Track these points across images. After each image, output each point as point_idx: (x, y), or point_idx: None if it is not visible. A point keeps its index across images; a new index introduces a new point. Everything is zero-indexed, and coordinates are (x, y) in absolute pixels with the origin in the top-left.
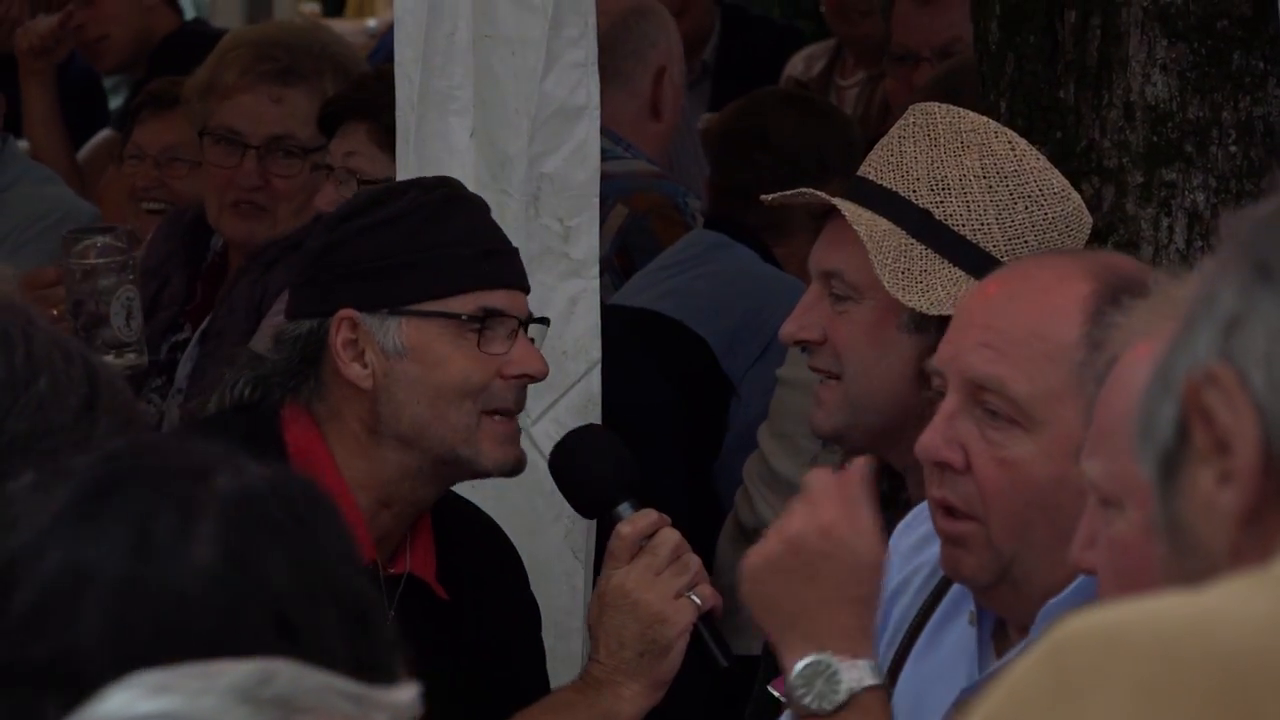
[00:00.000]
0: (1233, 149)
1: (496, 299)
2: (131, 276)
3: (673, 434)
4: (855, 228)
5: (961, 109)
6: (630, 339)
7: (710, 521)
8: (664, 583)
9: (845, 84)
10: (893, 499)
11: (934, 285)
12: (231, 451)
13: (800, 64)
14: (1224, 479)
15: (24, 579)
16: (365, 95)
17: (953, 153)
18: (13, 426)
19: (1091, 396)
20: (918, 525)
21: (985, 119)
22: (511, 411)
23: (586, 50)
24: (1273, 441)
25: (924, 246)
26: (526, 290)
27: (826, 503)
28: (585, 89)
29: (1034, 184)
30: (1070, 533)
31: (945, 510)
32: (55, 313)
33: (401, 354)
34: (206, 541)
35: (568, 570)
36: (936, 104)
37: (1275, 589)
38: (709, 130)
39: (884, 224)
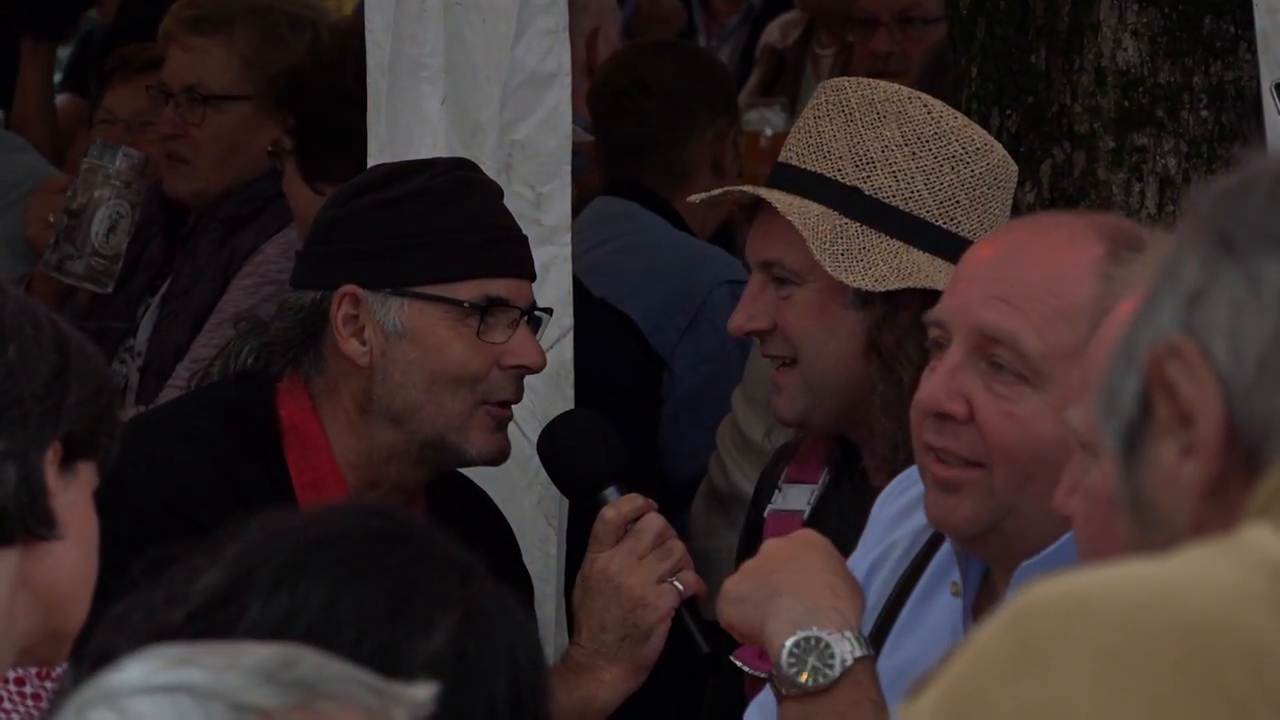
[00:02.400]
0: (1204, 114)
1: (500, 287)
2: (133, 200)
3: (647, 401)
4: (788, 217)
5: (872, 80)
6: (606, 312)
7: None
8: (647, 567)
9: (822, 53)
10: (848, 467)
11: (875, 261)
12: (485, 565)
13: (776, 32)
14: (1186, 452)
15: (267, 594)
16: (311, 66)
17: (870, 125)
18: None
19: None
20: (898, 495)
21: (897, 86)
22: (507, 401)
23: (557, 17)
24: (1235, 414)
25: (858, 224)
26: (532, 278)
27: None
28: (556, 56)
29: (956, 143)
30: None
31: (941, 457)
32: (51, 219)
33: (401, 335)
34: (446, 633)
35: (541, 536)
36: (845, 79)
37: (1240, 556)
38: (590, 91)
39: (815, 208)
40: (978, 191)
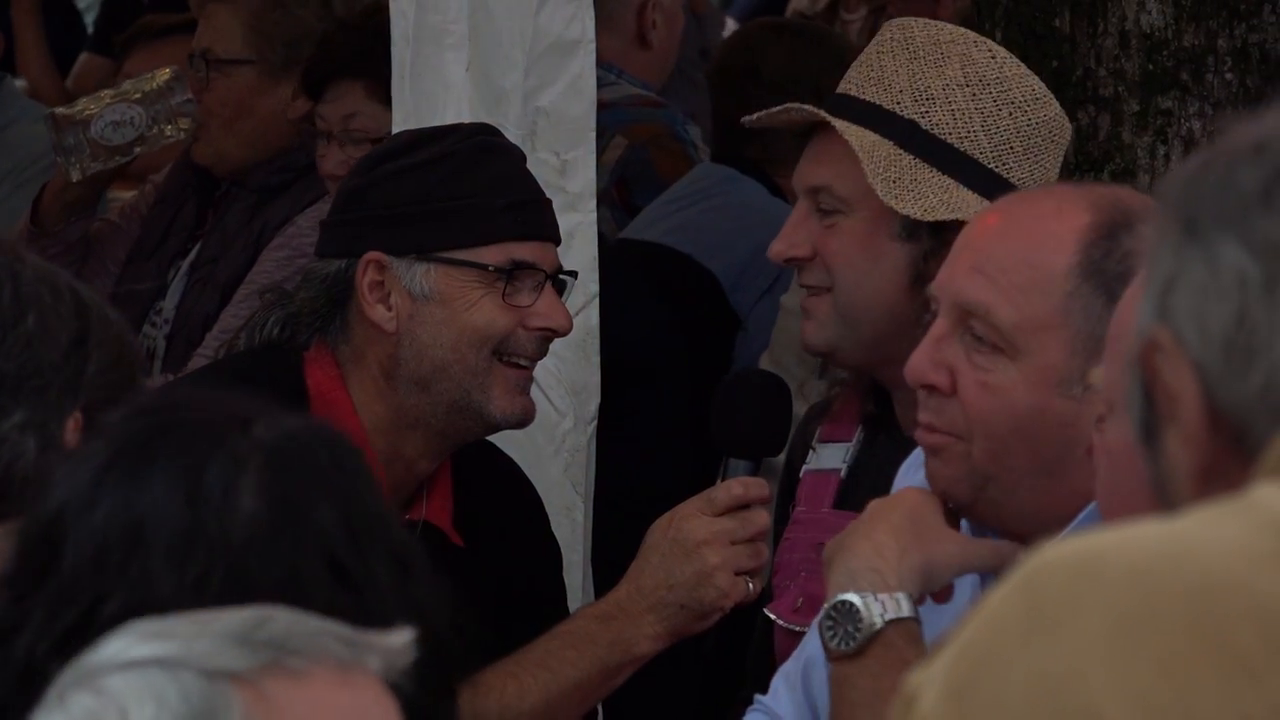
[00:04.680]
0: (1229, 76)
1: (525, 251)
2: (157, 117)
3: (677, 371)
4: (845, 137)
5: (939, 21)
6: (636, 274)
7: (719, 456)
8: (735, 554)
9: (850, 18)
10: (882, 421)
11: (925, 193)
12: (267, 403)
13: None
14: (1183, 440)
15: (73, 533)
16: (344, 54)
17: (933, 63)
18: (0, 366)
19: (1079, 328)
20: (919, 466)
21: (963, 30)
22: (531, 359)
23: None
24: (1214, 398)
25: (912, 156)
26: (557, 241)
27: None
28: (580, 22)
29: (1016, 90)
30: (1050, 463)
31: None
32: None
33: (427, 298)
34: (251, 491)
35: (568, 504)
36: (912, 19)
37: (1249, 516)
38: (709, 66)
39: (871, 136)
40: (1032, 141)
